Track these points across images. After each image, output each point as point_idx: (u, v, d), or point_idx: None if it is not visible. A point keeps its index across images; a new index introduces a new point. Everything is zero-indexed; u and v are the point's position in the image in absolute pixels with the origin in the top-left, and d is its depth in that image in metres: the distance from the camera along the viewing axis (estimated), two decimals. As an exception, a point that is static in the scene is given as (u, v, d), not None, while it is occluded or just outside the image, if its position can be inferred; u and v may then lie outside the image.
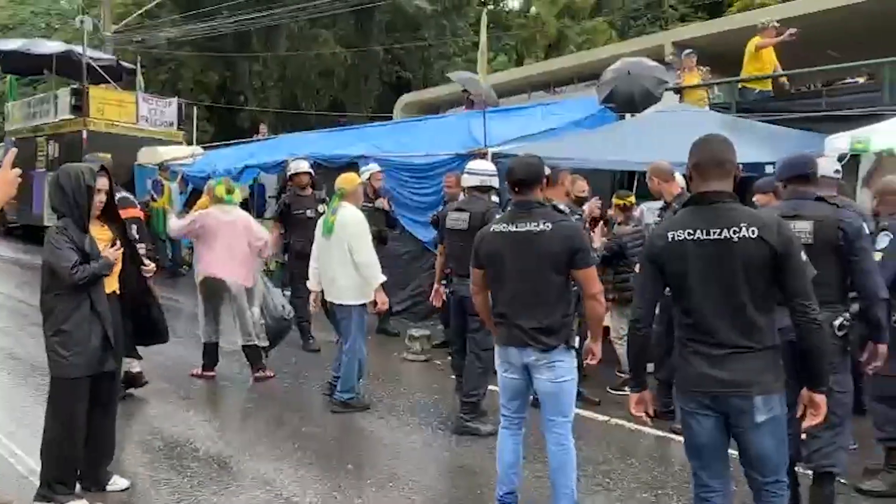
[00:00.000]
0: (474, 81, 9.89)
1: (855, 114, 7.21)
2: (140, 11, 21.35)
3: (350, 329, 5.16)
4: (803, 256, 2.53)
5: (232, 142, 15.19)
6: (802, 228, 3.17)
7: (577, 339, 3.35)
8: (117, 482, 3.80)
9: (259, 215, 11.59)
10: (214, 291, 5.92)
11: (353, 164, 8.65)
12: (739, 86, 9.02)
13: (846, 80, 10.91)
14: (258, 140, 14.38)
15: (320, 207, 6.86)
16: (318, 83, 24.70)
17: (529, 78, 23.20)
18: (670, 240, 2.56)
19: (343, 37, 24.89)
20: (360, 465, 4.27)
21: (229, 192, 6.05)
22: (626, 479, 4.08)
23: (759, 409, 2.47)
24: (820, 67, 9.51)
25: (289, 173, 7.67)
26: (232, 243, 5.83)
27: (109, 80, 15.77)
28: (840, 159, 5.43)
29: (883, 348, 3.42)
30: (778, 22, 9.26)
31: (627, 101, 8.22)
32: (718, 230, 2.47)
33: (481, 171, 4.86)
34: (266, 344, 6.07)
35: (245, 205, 12.20)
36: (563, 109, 9.49)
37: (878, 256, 3.71)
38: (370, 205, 7.46)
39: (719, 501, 2.64)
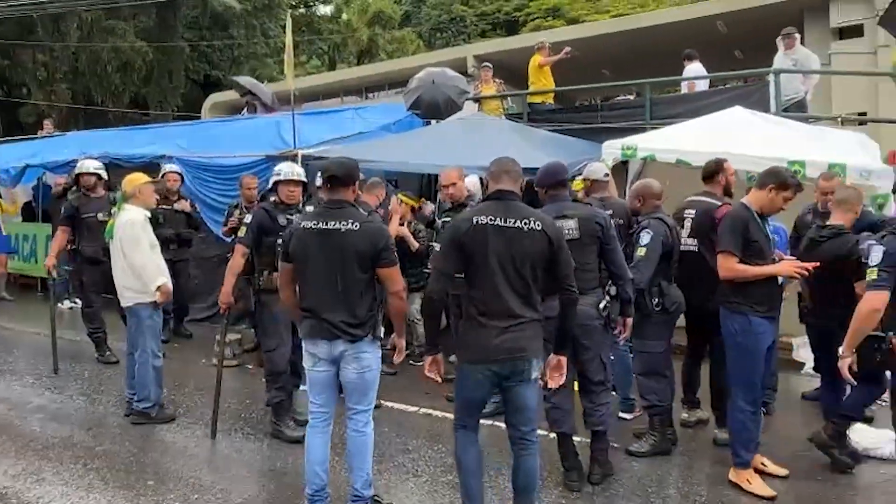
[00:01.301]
0: (256, 85, 9.79)
1: (624, 126, 8.06)
2: None
3: (140, 332, 4.82)
4: (568, 250, 3.04)
5: (11, 138, 13.36)
6: (570, 226, 3.65)
7: (382, 329, 3.43)
8: None
9: (45, 219, 10.31)
10: None
11: (154, 165, 8.02)
12: (529, 98, 9.69)
13: (619, 97, 12.20)
14: (44, 137, 12.77)
15: (114, 210, 6.26)
16: (115, 78, 22.49)
17: (343, 82, 23.08)
18: (475, 223, 2.95)
19: (143, 30, 22.94)
20: (163, 480, 3.95)
21: None
22: (433, 465, 4.19)
23: (534, 368, 2.98)
24: (595, 85, 10.55)
25: (74, 173, 6.92)
26: None
27: None
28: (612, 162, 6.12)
29: (630, 321, 3.96)
30: (552, 43, 10.08)
31: (432, 108, 8.48)
32: (513, 220, 2.94)
33: (285, 172, 4.71)
34: None
35: (28, 207, 10.84)
36: (373, 114, 9.55)
37: (641, 252, 4.14)
38: (168, 207, 6.98)
39: (473, 436, 3.17)
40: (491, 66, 10.15)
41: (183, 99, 24.14)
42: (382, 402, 5.18)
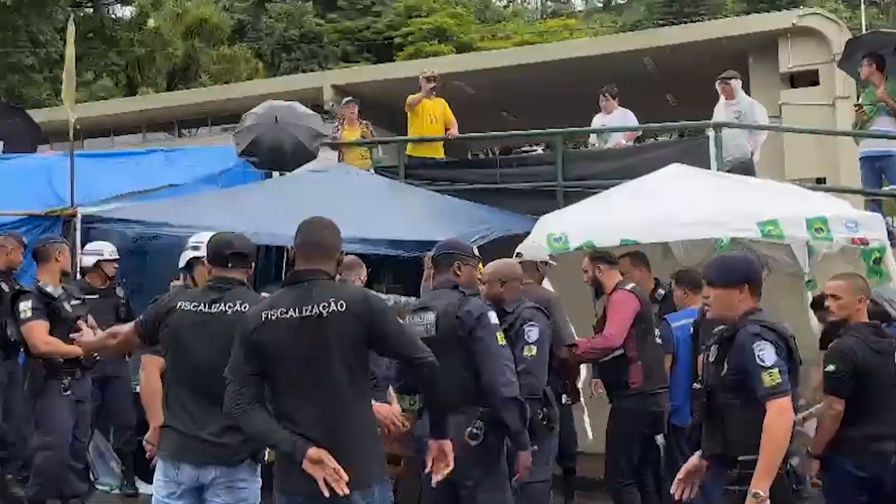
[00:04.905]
0: None
1: (530, 188, 8.43)
2: None
3: None
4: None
5: None
6: (429, 319, 4.00)
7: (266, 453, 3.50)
8: None
9: None
10: None
11: None
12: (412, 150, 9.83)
13: (523, 148, 12.80)
14: None
15: None
16: None
17: (146, 113, 22.72)
18: (264, 319, 3.05)
19: None
20: None
21: None
22: None
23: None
24: (494, 133, 10.95)
25: None
26: None
27: None
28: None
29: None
30: (441, 74, 10.39)
31: (275, 155, 8.43)
32: (308, 307, 3.00)
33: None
34: None
35: None
36: (191, 159, 9.39)
37: (532, 351, 4.43)
38: None
39: None
40: (357, 101, 10.33)
41: None
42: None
